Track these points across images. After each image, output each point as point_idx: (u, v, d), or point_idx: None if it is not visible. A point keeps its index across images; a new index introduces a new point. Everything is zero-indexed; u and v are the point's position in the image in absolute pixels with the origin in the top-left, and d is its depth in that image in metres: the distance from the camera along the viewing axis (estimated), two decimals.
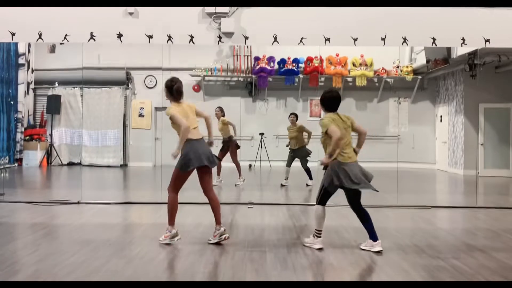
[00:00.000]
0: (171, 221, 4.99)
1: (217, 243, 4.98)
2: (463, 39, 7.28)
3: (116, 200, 7.67)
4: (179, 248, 4.86)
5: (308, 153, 9.23)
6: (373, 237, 4.78)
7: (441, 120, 12.94)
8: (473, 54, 9.95)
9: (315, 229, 4.88)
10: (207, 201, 7.04)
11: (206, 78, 12.60)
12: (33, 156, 13.09)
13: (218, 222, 5.01)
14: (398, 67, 12.56)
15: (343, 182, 4.66)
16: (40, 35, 7.21)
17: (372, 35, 7.26)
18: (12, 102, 12.79)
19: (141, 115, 13.23)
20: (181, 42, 7.29)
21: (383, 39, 7.27)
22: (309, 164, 9.22)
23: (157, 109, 12.81)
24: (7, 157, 12.43)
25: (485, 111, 11.59)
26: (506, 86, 11.42)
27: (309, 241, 4.93)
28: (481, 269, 4.22)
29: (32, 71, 13.53)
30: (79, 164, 12.77)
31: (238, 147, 9.51)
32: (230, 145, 9.37)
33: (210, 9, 7.28)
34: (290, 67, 12.46)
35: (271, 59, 12.44)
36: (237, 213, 6.82)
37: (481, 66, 10.11)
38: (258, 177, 11.50)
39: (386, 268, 4.25)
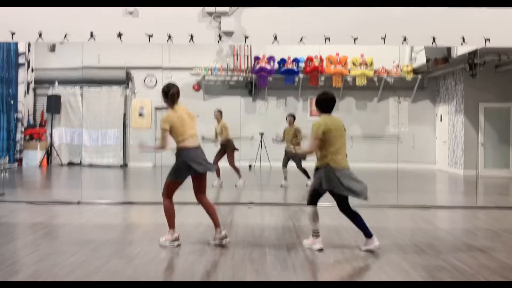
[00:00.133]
0: (171, 225, 4.96)
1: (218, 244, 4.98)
2: (463, 39, 7.28)
3: (116, 200, 7.67)
4: (179, 248, 4.85)
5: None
6: (367, 234, 4.78)
7: (441, 120, 12.94)
8: (473, 54, 9.94)
9: (312, 230, 4.87)
10: None
11: (206, 78, 12.59)
12: (33, 156, 13.09)
13: (217, 225, 4.98)
14: (398, 66, 12.55)
15: (333, 187, 4.66)
16: (40, 35, 7.21)
17: (372, 34, 7.26)
18: (12, 102, 12.78)
19: (141, 115, 13.23)
20: (181, 42, 7.29)
21: (383, 39, 7.26)
22: (306, 164, 9.19)
23: (157, 108, 12.80)
24: (7, 157, 12.44)
25: (485, 111, 11.59)
26: (506, 85, 11.42)
27: (309, 242, 4.92)
28: (481, 269, 4.22)
29: (32, 70, 13.53)
30: (79, 164, 12.77)
31: (236, 149, 9.45)
32: (227, 148, 9.34)
33: (210, 8, 7.28)
34: (290, 66, 12.45)
35: (271, 59, 12.43)
36: (237, 213, 6.83)
37: (481, 65, 10.11)
38: (258, 177, 11.49)
39: (386, 268, 4.25)
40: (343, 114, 12.24)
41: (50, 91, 13.50)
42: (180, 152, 4.86)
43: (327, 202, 5.00)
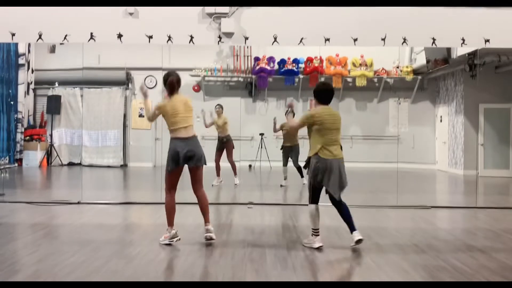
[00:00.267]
0: (169, 222, 4.98)
1: (216, 244, 4.98)
2: (463, 39, 7.29)
3: (116, 200, 7.67)
4: (179, 248, 4.86)
5: (299, 152, 9.22)
6: (352, 229, 4.83)
7: (441, 120, 12.94)
8: (473, 54, 9.95)
9: (312, 229, 4.89)
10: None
11: (206, 78, 12.59)
12: (33, 156, 13.09)
13: (206, 220, 5.01)
14: (398, 67, 12.56)
15: (319, 176, 4.73)
16: (40, 35, 7.22)
17: (372, 35, 7.27)
18: (12, 102, 12.78)
19: (141, 115, 13.23)
20: (181, 42, 7.30)
21: (383, 39, 7.27)
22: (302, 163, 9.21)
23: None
24: (7, 157, 12.43)
25: (485, 111, 11.59)
26: (506, 86, 11.42)
27: (308, 241, 4.93)
28: (481, 269, 4.22)
29: (32, 71, 13.53)
30: (79, 164, 12.77)
31: (233, 146, 9.47)
32: (227, 144, 9.35)
33: (210, 9, 7.29)
34: (290, 67, 12.46)
35: (271, 59, 12.43)
36: (237, 213, 6.83)
37: (481, 66, 10.11)
38: (258, 177, 11.50)
39: (386, 268, 4.25)
40: (343, 115, 12.13)
41: (50, 92, 13.50)
42: (171, 142, 4.93)
43: (327, 202, 5.00)
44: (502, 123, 11.54)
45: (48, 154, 13.20)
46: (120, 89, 13.39)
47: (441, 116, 12.96)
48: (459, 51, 10.51)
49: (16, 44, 12.71)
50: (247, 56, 12.71)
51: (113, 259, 4.43)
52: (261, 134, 11.58)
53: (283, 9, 7.24)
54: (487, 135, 11.55)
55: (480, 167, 11.10)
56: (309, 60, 12.45)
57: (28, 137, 13.21)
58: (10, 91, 12.77)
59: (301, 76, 12.47)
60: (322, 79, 12.40)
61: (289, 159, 9.36)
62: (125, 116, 13.41)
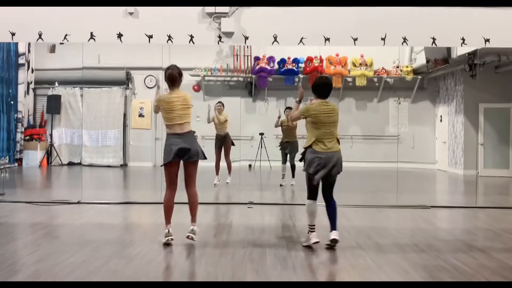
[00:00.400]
0: (166, 220, 4.96)
1: (216, 244, 4.97)
2: (463, 39, 7.29)
3: (116, 200, 7.67)
4: (179, 248, 4.85)
5: (297, 149, 9.22)
6: (333, 227, 4.83)
7: (441, 120, 12.94)
8: (473, 54, 9.95)
9: (308, 225, 4.89)
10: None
11: (206, 78, 12.59)
12: (33, 156, 13.09)
13: (192, 220, 4.99)
14: (398, 67, 12.56)
15: (311, 169, 4.74)
16: (40, 35, 7.22)
17: (372, 35, 7.27)
18: (12, 102, 12.78)
19: (141, 115, 13.24)
20: (181, 42, 7.30)
21: (383, 39, 7.27)
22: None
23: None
24: (7, 157, 12.43)
25: (485, 111, 11.59)
26: (506, 86, 11.42)
27: (305, 240, 4.94)
28: (481, 269, 4.22)
29: (32, 71, 13.53)
30: (79, 164, 12.77)
31: (233, 144, 9.47)
32: (226, 142, 9.35)
33: (210, 9, 7.29)
34: (290, 67, 12.45)
35: (271, 59, 12.43)
36: (237, 213, 6.83)
37: (481, 66, 10.11)
38: (258, 177, 11.50)
39: (386, 268, 4.25)
40: (343, 115, 12.15)
41: (50, 92, 13.50)
42: (166, 137, 4.95)
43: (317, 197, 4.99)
44: (502, 123, 11.54)
45: (48, 153, 13.20)
46: (120, 89, 13.39)
47: (441, 116, 12.96)
48: (459, 50, 10.51)
49: (16, 44, 12.71)
50: (247, 56, 12.70)
51: (113, 259, 4.43)
52: (261, 134, 11.58)
53: (283, 9, 7.24)
54: (487, 135, 11.55)
55: (480, 167, 11.11)
56: (309, 59, 12.45)
57: (28, 137, 13.21)
58: (10, 90, 12.77)
59: (301, 75, 12.46)
60: None
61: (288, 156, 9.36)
62: (125, 115, 13.41)
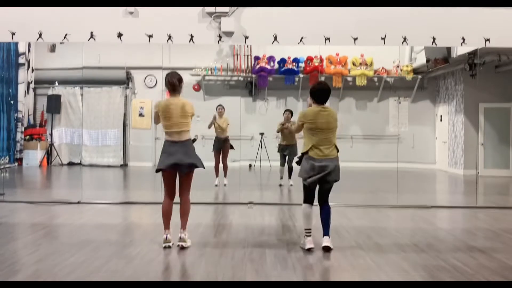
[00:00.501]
0: (164, 225, 4.92)
1: (216, 244, 4.97)
2: (463, 39, 7.29)
3: (116, 200, 7.67)
4: (179, 248, 4.85)
5: (296, 152, 9.23)
6: (326, 232, 4.82)
7: (441, 120, 12.94)
8: (473, 54, 9.94)
9: (304, 229, 4.87)
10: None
11: (206, 78, 12.59)
12: (33, 156, 13.09)
13: (182, 226, 4.91)
14: (398, 66, 12.55)
15: (305, 175, 4.74)
16: (40, 35, 7.22)
17: (372, 35, 7.27)
18: (12, 102, 12.77)
19: (141, 115, 13.23)
20: (181, 42, 7.30)
21: (383, 39, 7.27)
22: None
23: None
24: (7, 157, 12.43)
25: (485, 111, 11.59)
26: (506, 85, 11.42)
27: (302, 241, 4.93)
28: (481, 269, 4.22)
29: (32, 70, 13.52)
30: (79, 163, 12.77)
31: (232, 147, 9.47)
32: (225, 146, 9.34)
33: (210, 8, 7.29)
34: (290, 66, 12.45)
35: (271, 59, 12.42)
36: (237, 213, 6.83)
37: (481, 65, 10.11)
38: (258, 177, 11.50)
39: (386, 268, 4.25)
40: (343, 114, 12.27)
41: (50, 91, 13.50)
42: (164, 143, 4.91)
43: (331, 203, 4.99)
44: (502, 122, 11.54)
45: (48, 153, 13.20)
46: (120, 89, 13.38)
47: (441, 116, 12.96)
48: (459, 50, 10.50)
49: (16, 43, 12.71)
50: (247, 55, 12.69)
51: (113, 259, 4.43)
52: (261, 134, 11.58)
53: (283, 9, 7.24)
54: (487, 135, 11.55)
55: (480, 166, 11.10)
56: (309, 59, 12.44)
57: (28, 137, 13.21)
58: (10, 90, 12.77)
59: (301, 75, 12.46)
60: (322, 78, 12.40)
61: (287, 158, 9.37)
62: (125, 115, 13.40)
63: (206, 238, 5.26)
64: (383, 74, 12.59)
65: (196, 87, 12.70)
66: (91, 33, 7.21)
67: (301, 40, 7.26)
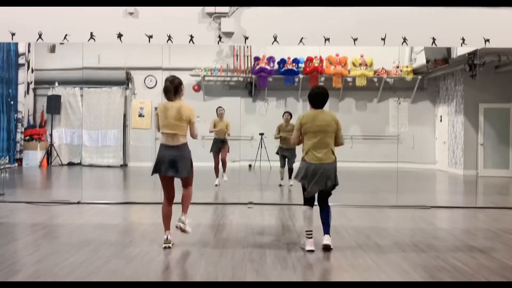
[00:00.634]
0: (164, 226, 4.93)
1: (216, 244, 4.97)
2: (463, 39, 7.29)
3: (116, 200, 7.67)
4: (179, 248, 4.86)
5: (295, 154, 9.23)
6: (326, 231, 4.82)
7: (441, 120, 12.94)
8: (473, 54, 9.95)
9: (305, 231, 4.86)
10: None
11: (206, 78, 12.59)
12: (33, 156, 13.09)
13: (183, 210, 4.94)
14: (398, 67, 12.56)
15: (300, 178, 4.79)
16: (40, 35, 7.22)
17: (372, 35, 7.27)
18: (12, 102, 12.78)
19: (141, 115, 13.23)
20: (181, 42, 7.30)
21: (383, 39, 7.27)
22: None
23: (157, 109, 12.76)
24: (7, 157, 12.43)
25: (485, 111, 11.59)
26: (506, 86, 11.42)
27: (303, 242, 4.93)
28: (481, 269, 4.22)
29: (32, 71, 13.53)
30: (79, 164, 12.77)
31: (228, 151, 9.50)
32: (224, 147, 9.35)
33: (210, 9, 7.29)
34: (290, 67, 12.45)
35: (271, 59, 12.43)
36: (237, 213, 6.83)
37: (481, 66, 10.11)
38: (258, 177, 11.50)
39: (386, 268, 4.25)
40: (343, 115, 12.28)
41: (50, 92, 13.50)
42: (159, 146, 4.92)
43: (331, 203, 4.99)
44: (502, 123, 11.54)
45: (48, 154, 13.20)
46: (120, 89, 13.38)
47: (441, 116, 12.96)
48: (459, 51, 10.50)
49: (16, 44, 12.71)
50: (247, 56, 12.70)
51: (113, 259, 4.43)
52: (261, 134, 11.59)
53: (283, 9, 7.25)
54: (487, 135, 11.55)
55: (480, 167, 11.10)
56: (309, 60, 12.44)
57: (28, 137, 13.21)
58: (10, 90, 12.77)
59: (301, 76, 12.46)
60: (322, 79, 12.42)
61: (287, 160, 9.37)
62: (125, 115, 13.40)
63: (206, 238, 5.26)
64: (383, 74, 12.59)
65: (196, 87, 12.70)
66: (91, 33, 7.22)
67: (301, 41, 7.27)
